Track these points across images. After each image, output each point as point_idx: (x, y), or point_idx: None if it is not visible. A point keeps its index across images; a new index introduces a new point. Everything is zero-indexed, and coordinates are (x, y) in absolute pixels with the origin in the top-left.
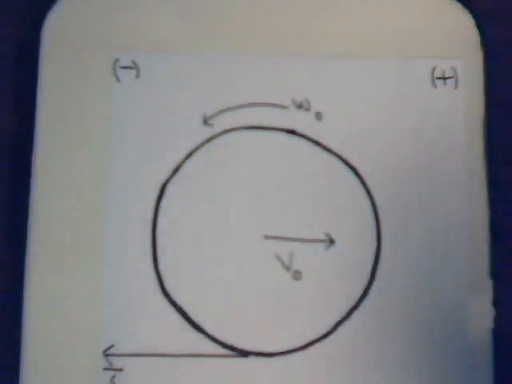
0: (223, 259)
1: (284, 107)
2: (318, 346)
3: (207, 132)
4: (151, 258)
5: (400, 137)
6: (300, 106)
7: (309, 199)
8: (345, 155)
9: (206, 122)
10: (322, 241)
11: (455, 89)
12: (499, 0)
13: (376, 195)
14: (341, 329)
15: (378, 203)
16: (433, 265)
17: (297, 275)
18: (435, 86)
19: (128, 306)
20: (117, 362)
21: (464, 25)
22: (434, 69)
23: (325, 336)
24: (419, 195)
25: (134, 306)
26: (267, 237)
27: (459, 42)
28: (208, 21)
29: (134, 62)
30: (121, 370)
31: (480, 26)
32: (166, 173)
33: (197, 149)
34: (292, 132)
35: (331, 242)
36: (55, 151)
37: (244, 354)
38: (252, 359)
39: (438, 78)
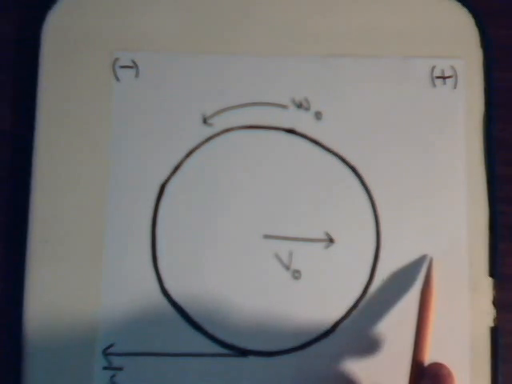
0: (223, 259)
1: (284, 107)
2: (317, 345)
3: (207, 131)
4: (151, 257)
5: (399, 136)
6: (300, 106)
7: (308, 198)
8: (344, 154)
9: (205, 121)
10: (321, 240)
11: (455, 88)
12: (499, 0)
13: (375, 194)
14: (340, 328)
15: (378, 202)
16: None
17: (296, 274)
18: (434, 86)
19: (128, 305)
20: (116, 361)
21: (464, 25)
22: (433, 68)
23: (324, 335)
24: (419, 194)
25: (133, 305)
26: (267, 236)
27: (459, 41)
28: (208, 21)
29: (133, 61)
30: (121, 369)
31: (480, 25)
32: (166, 172)
33: (196, 148)
34: (291, 131)
35: (330, 241)
36: (55, 151)
37: (243, 353)
38: (251, 358)
39: (438, 78)
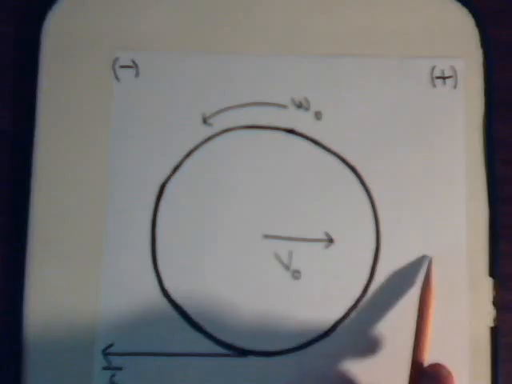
0: (223, 259)
1: (283, 106)
2: (316, 345)
3: (206, 131)
4: (151, 257)
5: (399, 136)
6: (299, 106)
7: (308, 198)
8: (344, 154)
9: (205, 121)
10: (321, 240)
11: (454, 88)
12: (499, 0)
13: (375, 194)
14: (340, 328)
15: (377, 202)
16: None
17: (296, 274)
18: (434, 86)
19: (127, 305)
20: (116, 361)
21: (464, 25)
22: (433, 68)
23: (324, 335)
24: (419, 194)
25: (133, 305)
26: (266, 236)
27: (459, 41)
28: (208, 21)
29: (133, 61)
30: (120, 368)
31: (480, 25)
32: (166, 172)
33: (196, 148)
34: (291, 131)
35: (330, 241)
36: (55, 150)
37: (243, 353)
38: (251, 358)
39: (438, 78)
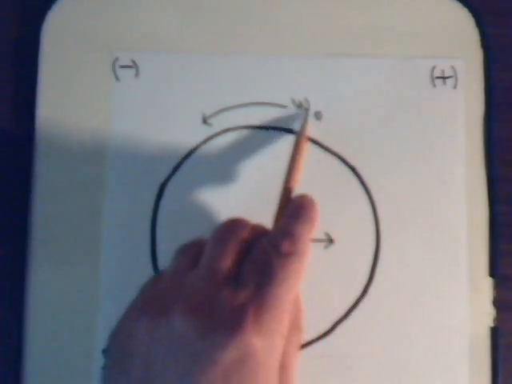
0: None
1: (283, 107)
2: (316, 345)
3: (206, 131)
4: (151, 257)
5: (399, 136)
6: (299, 106)
7: None
8: (344, 154)
9: (205, 121)
10: (321, 240)
11: (455, 88)
12: (499, 0)
13: (375, 195)
14: (339, 328)
15: (377, 203)
16: (432, 264)
17: None
18: (434, 86)
19: (127, 305)
20: None
21: (464, 25)
22: (433, 68)
23: (323, 335)
24: (418, 195)
25: None
26: None
27: (459, 41)
28: (208, 21)
29: (133, 61)
30: None
31: (480, 25)
32: (166, 172)
33: (196, 148)
34: (291, 131)
35: (330, 241)
36: (55, 150)
37: None
38: None
39: (438, 78)
